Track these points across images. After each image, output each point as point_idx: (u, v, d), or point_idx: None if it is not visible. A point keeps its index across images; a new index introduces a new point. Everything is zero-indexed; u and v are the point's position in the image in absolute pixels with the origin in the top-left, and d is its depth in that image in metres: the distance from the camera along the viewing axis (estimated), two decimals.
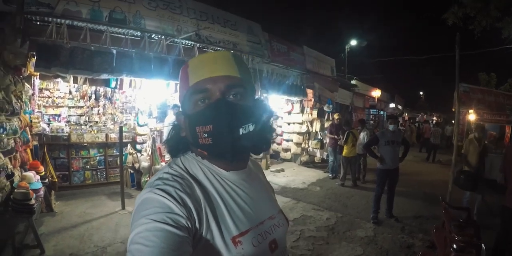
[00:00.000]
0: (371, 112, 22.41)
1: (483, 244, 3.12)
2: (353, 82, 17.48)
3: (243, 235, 0.87)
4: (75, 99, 8.53)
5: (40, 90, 7.82)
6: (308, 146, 11.08)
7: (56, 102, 8.40)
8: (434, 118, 36.86)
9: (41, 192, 4.65)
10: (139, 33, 6.35)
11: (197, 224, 0.81)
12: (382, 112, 23.32)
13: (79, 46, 5.13)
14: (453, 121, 23.86)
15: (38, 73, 5.49)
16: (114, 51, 5.43)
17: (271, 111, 1.05)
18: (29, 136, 5.20)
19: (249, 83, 0.97)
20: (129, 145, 6.80)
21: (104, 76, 5.46)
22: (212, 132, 0.86)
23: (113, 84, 6.52)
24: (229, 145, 0.86)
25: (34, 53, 5.00)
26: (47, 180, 5.19)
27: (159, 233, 0.71)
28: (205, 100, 0.90)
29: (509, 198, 3.84)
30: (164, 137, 7.95)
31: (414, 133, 20.56)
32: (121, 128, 5.99)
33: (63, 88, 8.21)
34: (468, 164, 5.77)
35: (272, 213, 1.03)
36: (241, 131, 0.87)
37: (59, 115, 8.36)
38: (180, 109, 1.01)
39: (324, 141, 10.25)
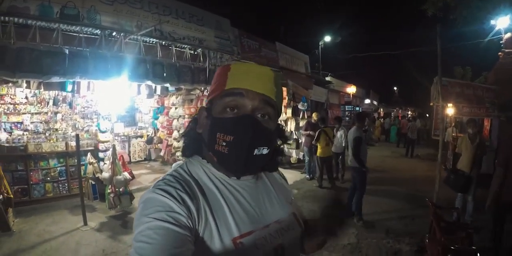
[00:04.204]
0: (346, 109, 22.44)
1: (478, 252, 2.86)
2: (328, 78, 17.39)
3: (245, 236, 0.87)
4: (34, 104, 7.97)
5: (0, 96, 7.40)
6: (283, 146, 10.65)
7: (17, 108, 7.89)
8: (409, 112, 37.45)
9: None
10: (95, 31, 5.85)
11: (196, 224, 0.81)
12: (358, 108, 23.35)
13: (26, 47, 4.62)
14: (427, 115, 24.42)
15: None
16: (67, 51, 4.90)
17: (286, 137, 1.12)
18: None
19: (278, 108, 0.98)
20: (89, 154, 6.25)
21: (56, 79, 4.94)
22: (231, 143, 0.87)
23: (69, 87, 5.91)
24: (242, 162, 0.87)
25: None
26: (1, 196, 4.77)
27: (160, 231, 0.72)
28: (234, 109, 0.90)
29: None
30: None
31: (377, 128, 20.66)
32: (77, 135, 5.43)
33: (19, 93, 7.68)
34: (461, 164, 5.30)
35: (280, 217, 1.01)
36: (255, 151, 0.88)
37: (22, 123, 7.88)
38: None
39: (300, 141, 9.90)
